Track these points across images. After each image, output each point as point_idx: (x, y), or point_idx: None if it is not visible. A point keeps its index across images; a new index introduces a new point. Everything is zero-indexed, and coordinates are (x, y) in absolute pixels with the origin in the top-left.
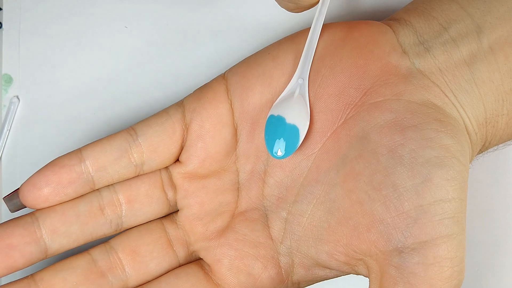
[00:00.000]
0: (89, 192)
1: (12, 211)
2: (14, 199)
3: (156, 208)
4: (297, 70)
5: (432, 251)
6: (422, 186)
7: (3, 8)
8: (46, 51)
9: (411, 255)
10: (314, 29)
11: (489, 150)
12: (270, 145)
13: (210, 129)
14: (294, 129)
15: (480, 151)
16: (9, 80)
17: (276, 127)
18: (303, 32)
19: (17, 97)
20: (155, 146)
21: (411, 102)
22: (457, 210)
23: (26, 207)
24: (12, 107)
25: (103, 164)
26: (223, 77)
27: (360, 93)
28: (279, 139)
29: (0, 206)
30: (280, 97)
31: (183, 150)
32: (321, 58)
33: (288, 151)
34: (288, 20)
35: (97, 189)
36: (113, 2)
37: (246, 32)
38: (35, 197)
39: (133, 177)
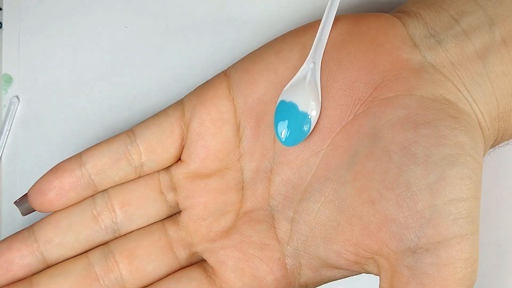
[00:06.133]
0: (84, 200)
1: (24, 214)
2: (24, 203)
3: (153, 210)
4: (310, 53)
5: (446, 251)
6: (436, 185)
7: (3, 8)
8: (46, 51)
9: (424, 256)
10: (329, 8)
11: (500, 145)
12: (279, 131)
13: (210, 126)
14: (306, 117)
15: (492, 146)
16: (9, 80)
17: (287, 114)
18: (308, 26)
19: (17, 97)
20: (154, 146)
21: (424, 97)
22: (471, 209)
23: (36, 210)
24: (12, 107)
25: (102, 168)
26: (225, 74)
27: (370, 88)
28: (290, 125)
29: (0, 206)
30: (291, 81)
31: (184, 149)
32: (328, 52)
33: (298, 139)
34: (290, 16)
35: (92, 197)
36: (113, 2)
37: (248, 29)
38: (41, 202)
39: (131, 180)
